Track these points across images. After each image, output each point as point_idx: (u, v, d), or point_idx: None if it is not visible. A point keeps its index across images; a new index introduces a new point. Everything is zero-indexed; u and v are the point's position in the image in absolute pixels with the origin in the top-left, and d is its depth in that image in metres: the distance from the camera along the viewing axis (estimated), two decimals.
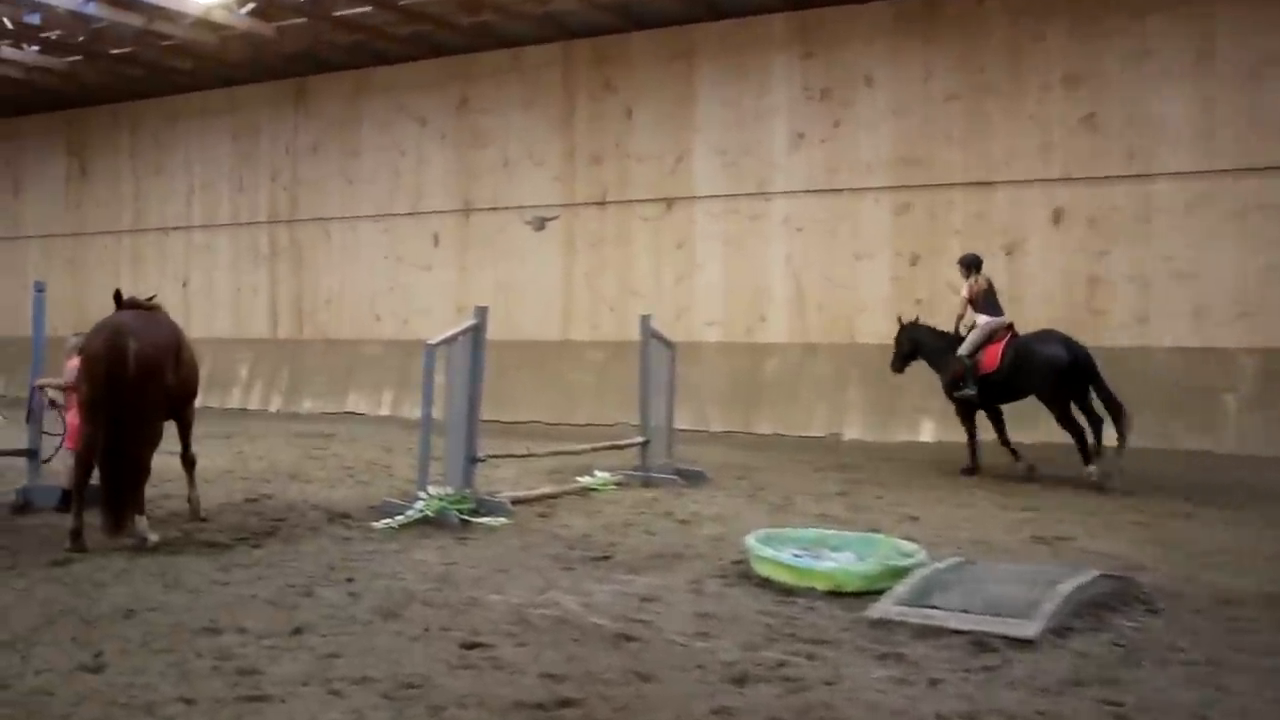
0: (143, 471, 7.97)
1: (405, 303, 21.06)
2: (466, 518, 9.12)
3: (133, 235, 24.66)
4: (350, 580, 7.01)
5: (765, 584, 6.92)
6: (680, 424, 13.56)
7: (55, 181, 25.93)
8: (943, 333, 13.26)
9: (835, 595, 6.59)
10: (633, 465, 12.07)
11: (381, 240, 21.46)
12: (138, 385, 7.76)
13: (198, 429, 9.45)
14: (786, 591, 6.72)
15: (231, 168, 23.30)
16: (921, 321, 13.74)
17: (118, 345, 7.77)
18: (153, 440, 8.03)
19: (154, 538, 7.97)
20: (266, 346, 22.81)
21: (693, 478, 11.87)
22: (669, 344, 12.66)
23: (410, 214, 21.12)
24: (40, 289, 9.98)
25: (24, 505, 9.48)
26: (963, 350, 12.62)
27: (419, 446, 9.67)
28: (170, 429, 8.68)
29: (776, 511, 10.04)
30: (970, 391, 12.43)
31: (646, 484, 11.61)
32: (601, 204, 19.25)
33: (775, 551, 7.18)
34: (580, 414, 18.45)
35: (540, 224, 19.68)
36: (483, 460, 10.00)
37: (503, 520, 9.23)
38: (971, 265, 12.76)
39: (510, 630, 5.88)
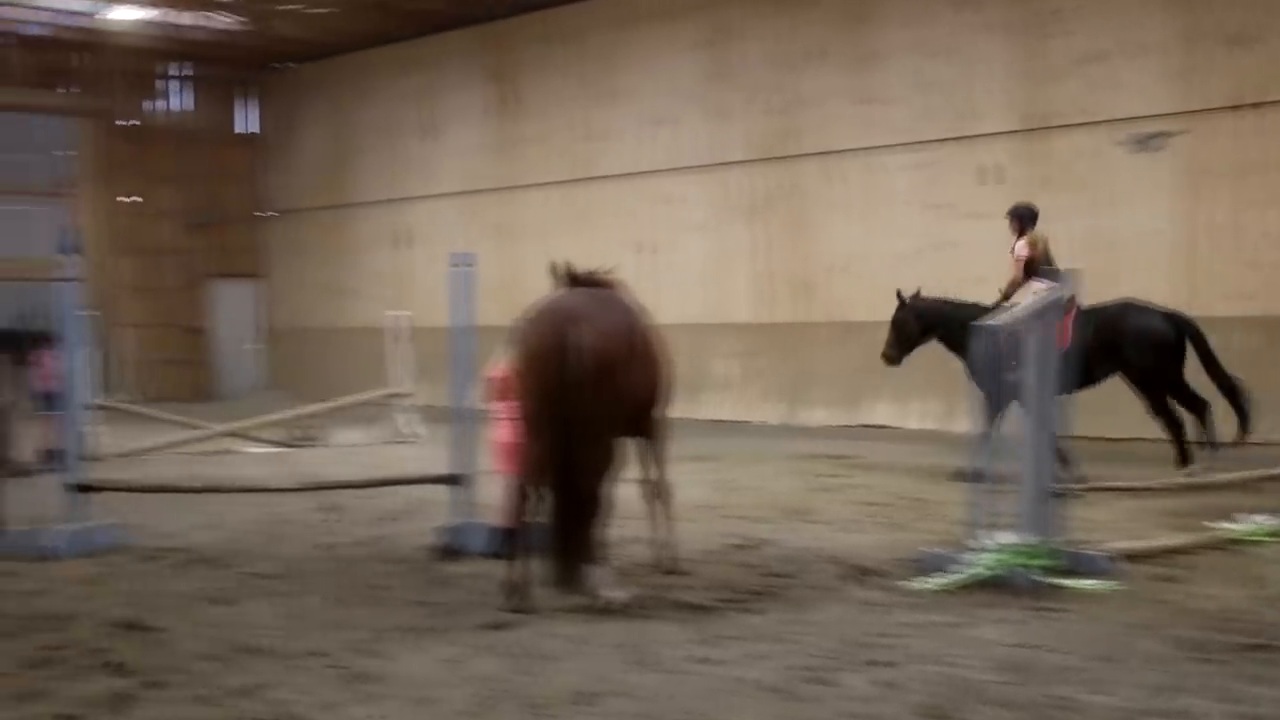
0: (598, 506, 8.41)
1: (949, 267, 21.00)
2: (1048, 579, 8.94)
3: (575, 187, 26.44)
4: (882, 664, 7.06)
5: None
6: None
7: (476, 119, 28.26)
8: (967, 305, 14.74)
9: None
10: None
11: (912, 180, 21.60)
12: (589, 390, 8.17)
13: (669, 448, 9.86)
14: None
15: (701, 87, 24.34)
16: (926, 295, 15.48)
17: (561, 337, 8.22)
18: (608, 463, 8.46)
19: (616, 595, 8.42)
20: (757, 334, 23.64)
21: None
22: None
23: (951, 139, 21.09)
24: (464, 263, 10.69)
25: (452, 549, 10.34)
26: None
27: (974, 473, 9.58)
28: (633, 449, 9.14)
29: None
30: None
31: None
32: (1239, 108, 18.27)
33: None
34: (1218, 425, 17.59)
35: (1148, 144, 19.01)
36: (1072, 494, 9.75)
37: (1104, 584, 8.95)
38: (1026, 218, 14.44)
39: None
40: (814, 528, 11.71)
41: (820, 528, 11.71)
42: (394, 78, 29.84)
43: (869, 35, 22.07)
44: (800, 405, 22.56)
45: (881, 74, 21.93)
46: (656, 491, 9.61)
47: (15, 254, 29.12)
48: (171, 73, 32.21)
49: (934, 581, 9.00)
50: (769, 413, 22.91)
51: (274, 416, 20.43)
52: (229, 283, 32.54)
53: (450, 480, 10.65)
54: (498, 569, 9.09)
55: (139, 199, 31.45)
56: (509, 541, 8.76)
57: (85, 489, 11.07)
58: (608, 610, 8.28)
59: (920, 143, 21.47)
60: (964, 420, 17.50)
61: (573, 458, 8.18)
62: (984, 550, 9.15)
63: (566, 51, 26.52)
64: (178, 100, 32.46)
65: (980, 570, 9.02)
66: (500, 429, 9.92)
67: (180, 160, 31.85)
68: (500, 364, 9.81)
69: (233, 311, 32.65)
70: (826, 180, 22.71)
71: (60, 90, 30.59)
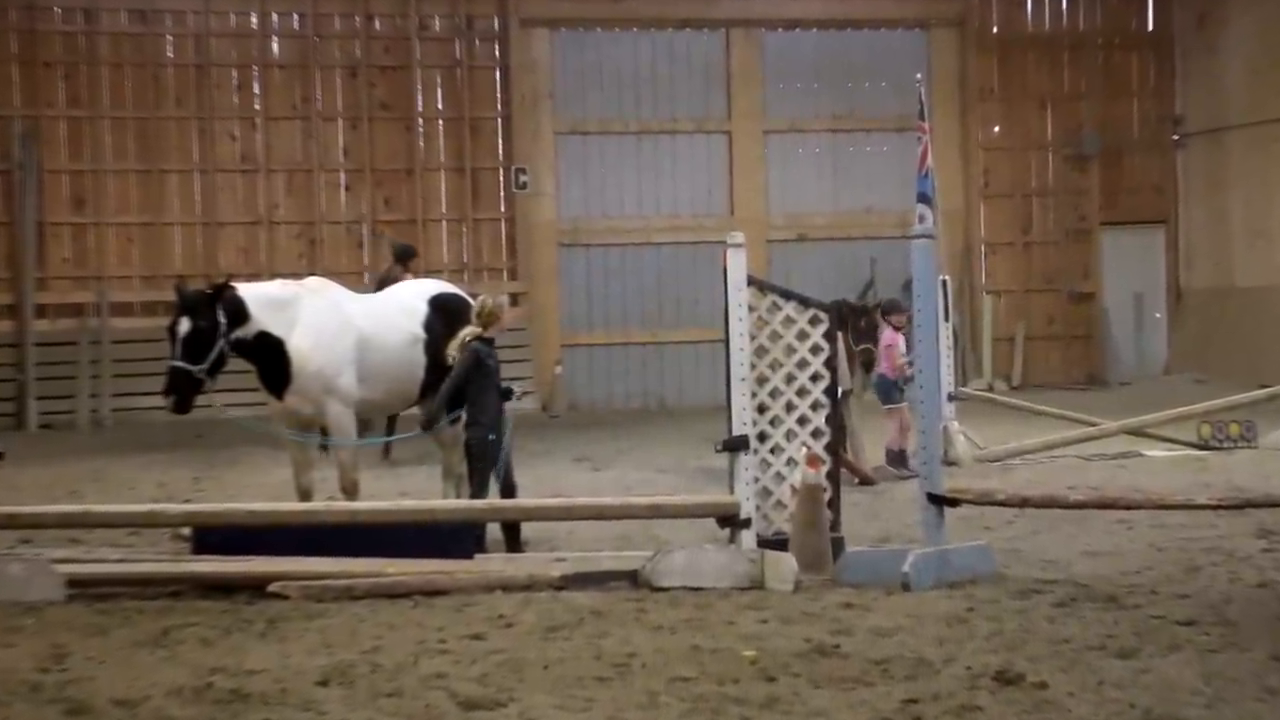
0: None
1: None
2: None
3: None
4: None
5: None
6: None
7: None
8: None
9: None
10: None
11: None
12: None
13: None
14: None
15: None
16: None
17: None
18: None
19: None
20: None
21: None
22: None
23: None
24: None
25: None
26: None
27: None
28: None
29: None
30: None
31: None
32: None
33: None
34: None
35: None
36: None
37: None
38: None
39: None
40: None
41: None
42: None
43: None
44: None
45: None
46: None
47: (859, 206, 30.29)
48: None
49: None
50: None
51: (1188, 409, 19.98)
52: (1126, 231, 32.10)
53: None
54: None
55: (1003, 128, 31.74)
56: None
57: (944, 501, 11.23)
58: None
59: None
60: None
61: None
62: None
63: None
64: None
65: None
66: None
67: (1058, 75, 31.89)
68: None
69: (1132, 269, 32.26)
70: None
71: None
